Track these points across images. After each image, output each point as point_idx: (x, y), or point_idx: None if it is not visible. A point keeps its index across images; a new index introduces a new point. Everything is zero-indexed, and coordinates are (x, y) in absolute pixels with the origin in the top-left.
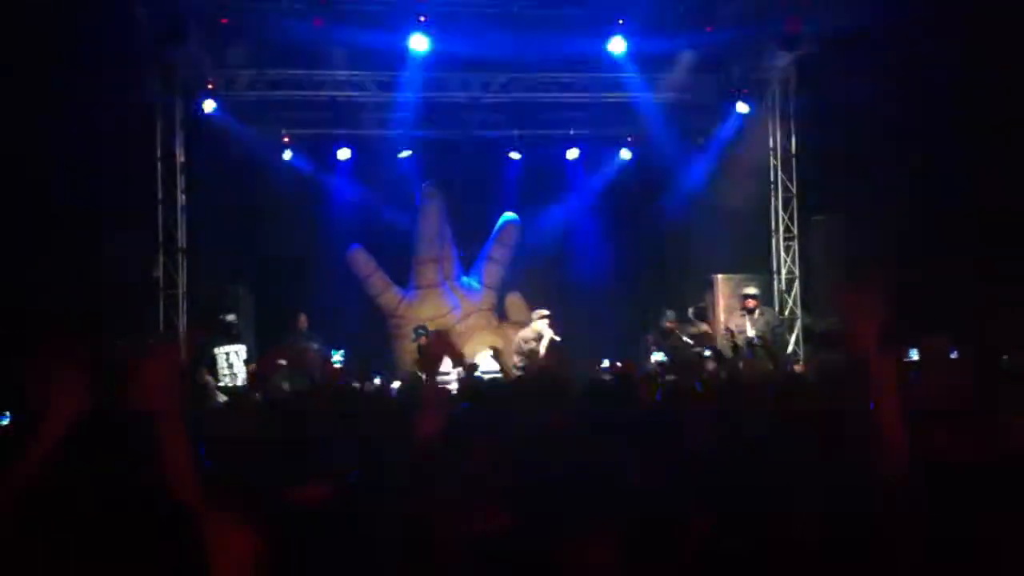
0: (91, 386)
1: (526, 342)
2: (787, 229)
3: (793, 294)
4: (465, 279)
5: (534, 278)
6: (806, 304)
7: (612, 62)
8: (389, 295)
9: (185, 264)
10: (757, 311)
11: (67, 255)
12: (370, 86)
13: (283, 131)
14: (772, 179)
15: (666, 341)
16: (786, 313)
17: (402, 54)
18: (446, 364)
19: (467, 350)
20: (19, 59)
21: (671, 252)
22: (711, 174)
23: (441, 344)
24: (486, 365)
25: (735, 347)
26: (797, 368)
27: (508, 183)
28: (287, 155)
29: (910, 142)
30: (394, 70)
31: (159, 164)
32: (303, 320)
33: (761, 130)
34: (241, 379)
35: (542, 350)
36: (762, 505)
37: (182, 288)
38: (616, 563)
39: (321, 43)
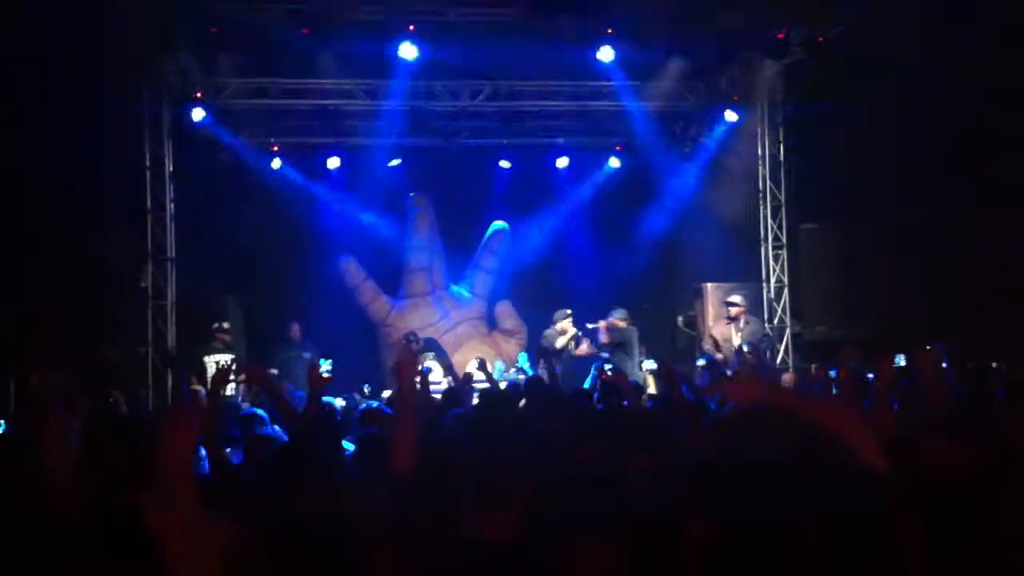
0: (82, 396)
1: (552, 340)
2: (776, 238)
3: (782, 302)
4: (455, 288)
5: (524, 287)
6: (795, 313)
7: (601, 71)
8: (379, 304)
9: (174, 273)
10: (742, 319)
11: (54, 263)
12: (359, 95)
13: (272, 140)
14: (760, 188)
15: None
16: (775, 321)
17: (391, 63)
18: (437, 374)
19: (457, 359)
20: (5, 68)
21: (661, 260)
22: (701, 182)
23: (404, 367)
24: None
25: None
26: (786, 377)
27: (498, 192)
28: (276, 164)
29: (897, 151)
30: (383, 79)
31: (147, 173)
32: (295, 330)
33: (750, 138)
34: (231, 388)
35: (562, 342)
36: (761, 512)
37: (171, 298)
38: (615, 571)
39: (310, 52)
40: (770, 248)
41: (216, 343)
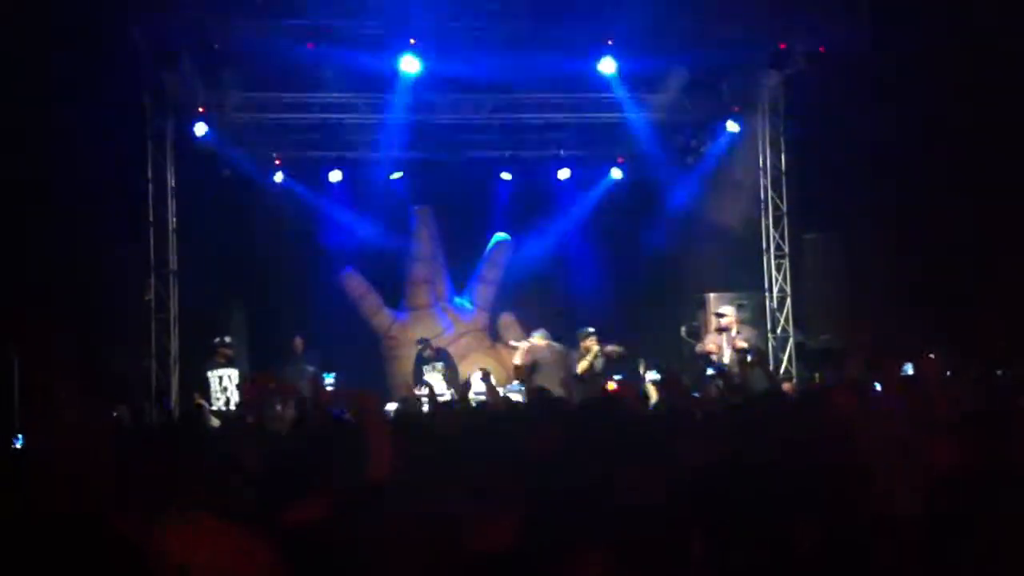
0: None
1: (572, 363)
2: (778, 247)
3: (785, 312)
4: (458, 300)
5: (527, 298)
6: (798, 322)
7: (602, 82)
8: (382, 316)
9: (177, 287)
10: (733, 329)
11: (58, 277)
12: (361, 108)
13: (274, 154)
14: (762, 197)
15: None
16: (778, 331)
17: (393, 76)
18: (439, 386)
19: (460, 371)
20: (6, 82)
21: (664, 271)
22: (703, 192)
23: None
24: (477, 387)
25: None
26: (787, 387)
27: (500, 204)
28: (278, 177)
29: (899, 160)
30: (385, 92)
31: (150, 187)
32: (299, 343)
33: (751, 149)
34: (234, 402)
35: (584, 365)
36: (762, 523)
37: (174, 311)
38: None
39: (312, 66)
40: (772, 258)
41: (218, 358)
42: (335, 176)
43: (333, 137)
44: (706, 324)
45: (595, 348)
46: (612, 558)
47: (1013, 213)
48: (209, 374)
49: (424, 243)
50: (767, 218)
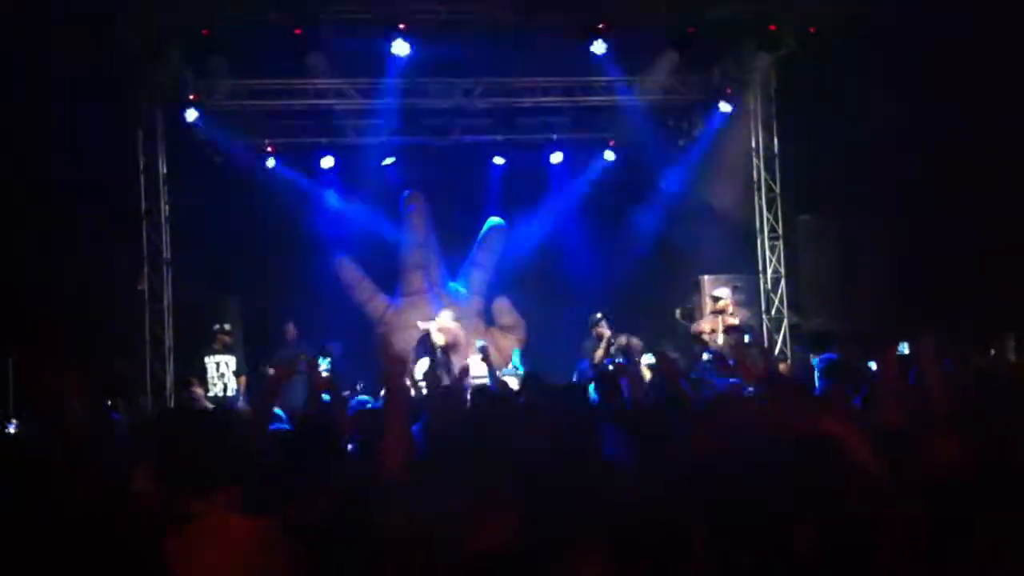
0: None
1: (589, 353)
2: (772, 229)
3: (779, 293)
4: (452, 285)
5: (521, 282)
6: (793, 303)
7: (594, 65)
8: (376, 303)
9: (171, 276)
10: (728, 311)
11: (52, 269)
12: (352, 94)
13: (266, 140)
14: (755, 179)
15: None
16: (772, 313)
17: (383, 61)
18: (478, 368)
19: (457, 356)
20: None
21: (657, 253)
22: (696, 175)
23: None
24: (476, 368)
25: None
26: (782, 367)
27: (492, 188)
28: (270, 164)
29: (893, 140)
30: (375, 77)
31: (141, 176)
32: (291, 330)
33: (744, 130)
34: (231, 389)
35: (600, 354)
36: (763, 519)
37: (168, 301)
38: None
39: (302, 52)
40: (766, 239)
41: (216, 344)
42: (327, 162)
43: (324, 123)
44: (701, 307)
45: (607, 334)
46: (612, 557)
47: (1011, 196)
48: (206, 360)
49: (417, 228)
50: (760, 199)
